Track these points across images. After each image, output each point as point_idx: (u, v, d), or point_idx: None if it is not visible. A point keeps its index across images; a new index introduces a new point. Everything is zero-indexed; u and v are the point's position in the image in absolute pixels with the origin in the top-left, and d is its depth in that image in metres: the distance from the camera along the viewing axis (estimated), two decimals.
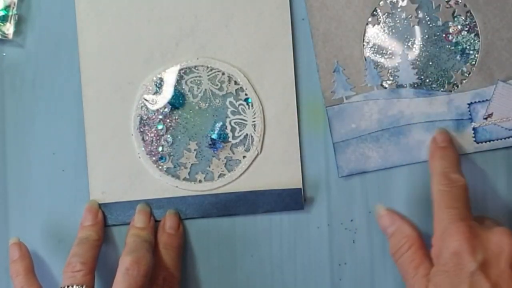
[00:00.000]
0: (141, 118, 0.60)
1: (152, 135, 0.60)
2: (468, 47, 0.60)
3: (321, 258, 0.60)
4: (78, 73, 0.60)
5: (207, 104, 0.60)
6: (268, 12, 0.60)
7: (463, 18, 0.60)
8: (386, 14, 0.60)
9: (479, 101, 0.60)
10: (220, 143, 0.60)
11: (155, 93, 0.60)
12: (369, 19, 0.60)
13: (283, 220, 0.61)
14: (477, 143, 0.60)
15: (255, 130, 0.60)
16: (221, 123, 0.60)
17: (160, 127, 0.60)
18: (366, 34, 0.60)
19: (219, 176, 0.60)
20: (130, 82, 0.60)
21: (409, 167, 0.60)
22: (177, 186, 0.60)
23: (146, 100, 0.60)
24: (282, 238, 0.60)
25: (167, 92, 0.60)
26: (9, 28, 0.60)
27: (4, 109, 0.61)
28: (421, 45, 0.60)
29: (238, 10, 0.60)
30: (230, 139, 0.60)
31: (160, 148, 0.60)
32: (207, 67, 0.60)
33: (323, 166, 0.60)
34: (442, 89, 0.60)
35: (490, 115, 0.60)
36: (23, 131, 0.61)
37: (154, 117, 0.60)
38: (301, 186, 0.60)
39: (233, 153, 0.60)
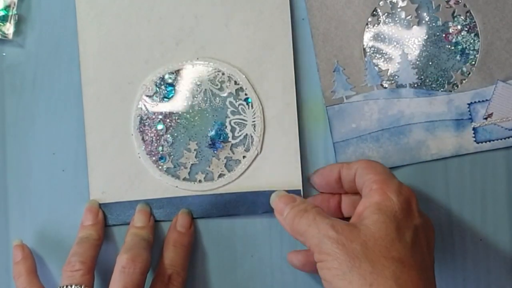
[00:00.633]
0: (141, 118, 0.60)
1: (152, 135, 0.60)
2: (468, 47, 0.60)
3: None
4: (78, 73, 0.60)
5: (207, 104, 0.60)
6: (268, 12, 0.60)
7: (463, 18, 0.60)
8: (386, 14, 0.60)
9: (479, 101, 0.60)
10: (220, 143, 0.60)
11: (155, 93, 0.60)
12: (369, 19, 0.60)
13: None
14: (477, 143, 0.60)
15: (255, 130, 0.60)
16: (221, 123, 0.60)
17: (160, 127, 0.60)
18: (366, 34, 0.60)
19: (219, 176, 0.60)
20: (130, 82, 0.60)
21: (409, 167, 0.60)
22: (177, 186, 0.60)
23: (146, 100, 0.60)
24: (282, 238, 0.60)
25: (167, 92, 0.60)
26: (9, 28, 0.60)
27: (4, 109, 0.61)
28: (421, 45, 0.60)
29: (238, 10, 0.60)
30: (230, 139, 0.60)
31: (160, 148, 0.60)
32: (207, 67, 0.60)
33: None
34: (442, 89, 0.60)
35: (490, 115, 0.60)
36: (23, 131, 0.61)
37: (154, 117, 0.60)
38: (301, 187, 0.60)
39: (233, 153, 0.60)
